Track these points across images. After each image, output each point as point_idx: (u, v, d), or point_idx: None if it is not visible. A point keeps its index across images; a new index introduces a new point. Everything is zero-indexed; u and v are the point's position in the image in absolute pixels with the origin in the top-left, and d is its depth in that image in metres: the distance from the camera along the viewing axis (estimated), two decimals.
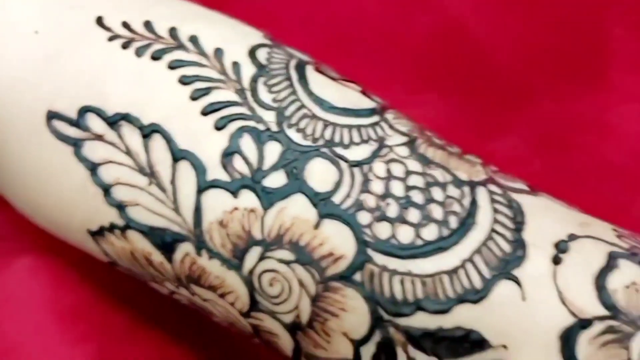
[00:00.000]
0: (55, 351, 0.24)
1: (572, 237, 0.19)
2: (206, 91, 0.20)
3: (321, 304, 0.19)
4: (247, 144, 0.20)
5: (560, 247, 0.19)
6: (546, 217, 0.20)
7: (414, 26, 0.30)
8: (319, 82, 0.21)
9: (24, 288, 0.24)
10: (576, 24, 0.30)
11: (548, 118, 0.30)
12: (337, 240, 0.19)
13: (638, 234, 0.21)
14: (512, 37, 0.30)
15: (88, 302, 0.25)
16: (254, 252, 0.19)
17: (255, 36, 0.22)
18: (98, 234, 0.21)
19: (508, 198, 0.20)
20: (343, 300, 0.19)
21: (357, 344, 0.19)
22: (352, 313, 0.19)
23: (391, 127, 0.21)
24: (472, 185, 0.20)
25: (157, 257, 0.20)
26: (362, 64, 0.30)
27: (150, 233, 0.20)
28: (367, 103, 0.21)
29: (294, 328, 0.20)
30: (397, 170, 0.20)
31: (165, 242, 0.20)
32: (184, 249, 0.20)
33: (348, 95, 0.21)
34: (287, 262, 0.19)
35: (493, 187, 0.20)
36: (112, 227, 0.21)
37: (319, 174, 0.19)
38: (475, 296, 0.18)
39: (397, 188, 0.19)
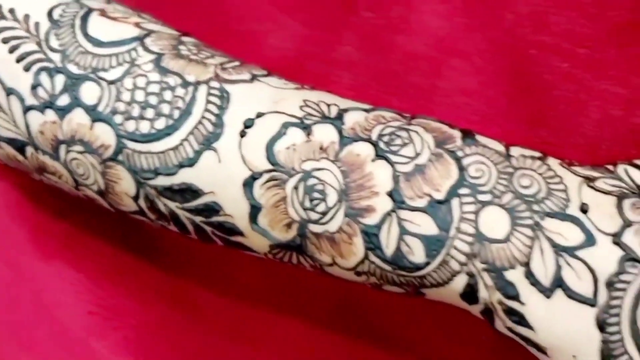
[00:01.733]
0: (12, 230, 0.36)
1: (259, 114, 0.28)
2: (18, 46, 0.30)
3: (107, 176, 0.29)
4: (44, 78, 0.29)
5: (246, 124, 0.27)
6: (246, 102, 0.28)
7: None
8: (96, 25, 0.30)
9: None
10: None
11: (367, 25, 0.36)
12: (105, 136, 0.29)
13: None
14: None
15: (25, 192, 0.37)
16: (62, 149, 0.29)
17: None
18: None
19: (222, 90, 0.28)
20: (117, 173, 0.29)
21: (134, 199, 0.29)
22: (124, 180, 0.29)
23: (145, 49, 0.29)
24: (197, 84, 0.28)
25: (19, 157, 0.31)
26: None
27: (10, 142, 0.31)
28: (131, 33, 0.30)
29: (101, 193, 0.30)
30: (141, 82, 0.29)
31: (18, 146, 0.31)
32: (30, 150, 0.30)
33: (118, 31, 0.30)
34: (81, 152, 0.29)
35: (213, 84, 0.28)
36: None
37: (88, 91, 0.29)
38: (189, 162, 0.28)
39: (139, 95, 0.28)
